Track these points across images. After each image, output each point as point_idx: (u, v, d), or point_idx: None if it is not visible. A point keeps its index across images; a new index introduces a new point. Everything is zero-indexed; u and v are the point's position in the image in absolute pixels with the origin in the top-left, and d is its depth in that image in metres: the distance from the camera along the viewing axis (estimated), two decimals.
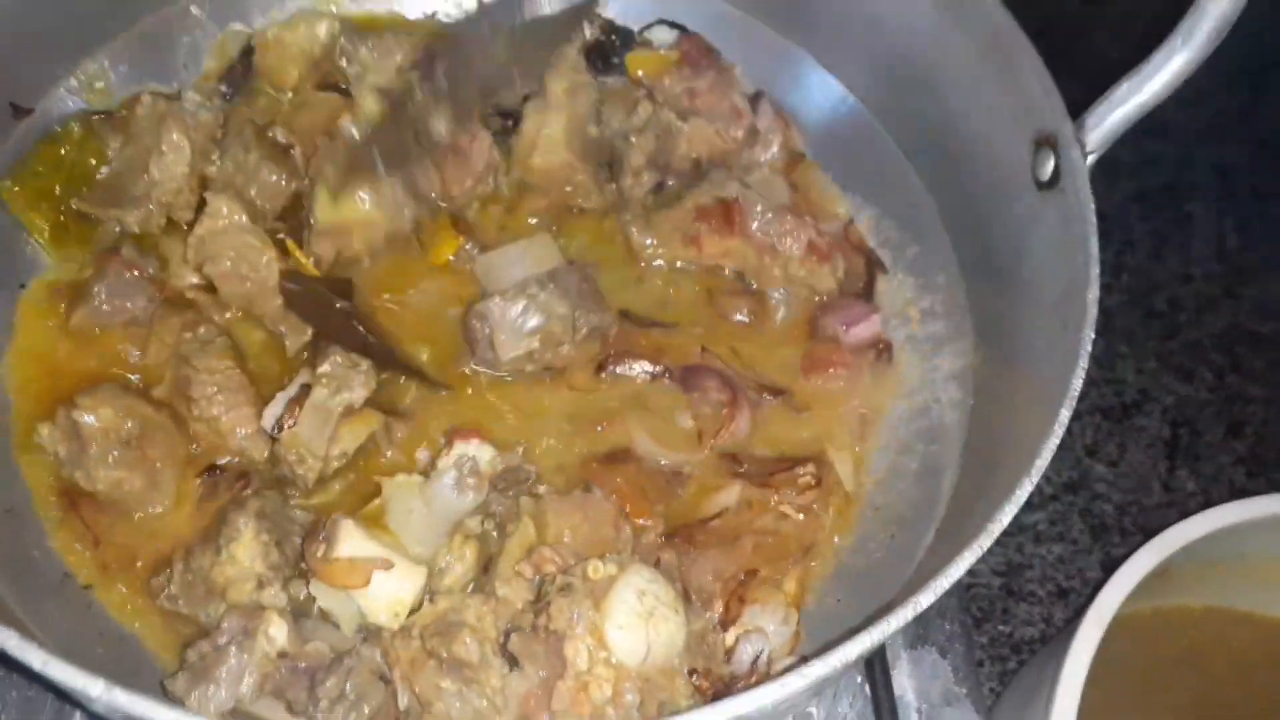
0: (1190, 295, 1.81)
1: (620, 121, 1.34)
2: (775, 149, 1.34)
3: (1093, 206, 0.99)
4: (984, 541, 0.84)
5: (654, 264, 1.29)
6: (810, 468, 1.15)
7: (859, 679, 1.15)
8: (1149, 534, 1.28)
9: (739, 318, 1.27)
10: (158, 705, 0.66)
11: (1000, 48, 1.10)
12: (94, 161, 1.20)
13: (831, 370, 1.23)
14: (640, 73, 1.39)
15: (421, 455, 1.13)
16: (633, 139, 1.31)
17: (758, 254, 1.26)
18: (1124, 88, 0.99)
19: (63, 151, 1.18)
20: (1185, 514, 1.29)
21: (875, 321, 1.26)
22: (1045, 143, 1.05)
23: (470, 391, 1.18)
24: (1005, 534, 1.60)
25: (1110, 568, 1.20)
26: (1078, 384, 0.89)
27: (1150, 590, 1.30)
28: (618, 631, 0.92)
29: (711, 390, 1.20)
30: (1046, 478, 1.60)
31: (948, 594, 0.83)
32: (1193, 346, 1.76)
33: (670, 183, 1.32)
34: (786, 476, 1.15)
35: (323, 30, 1.30)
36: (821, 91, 1.35)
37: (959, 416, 1.16)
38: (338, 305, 1.14)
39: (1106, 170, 1.95)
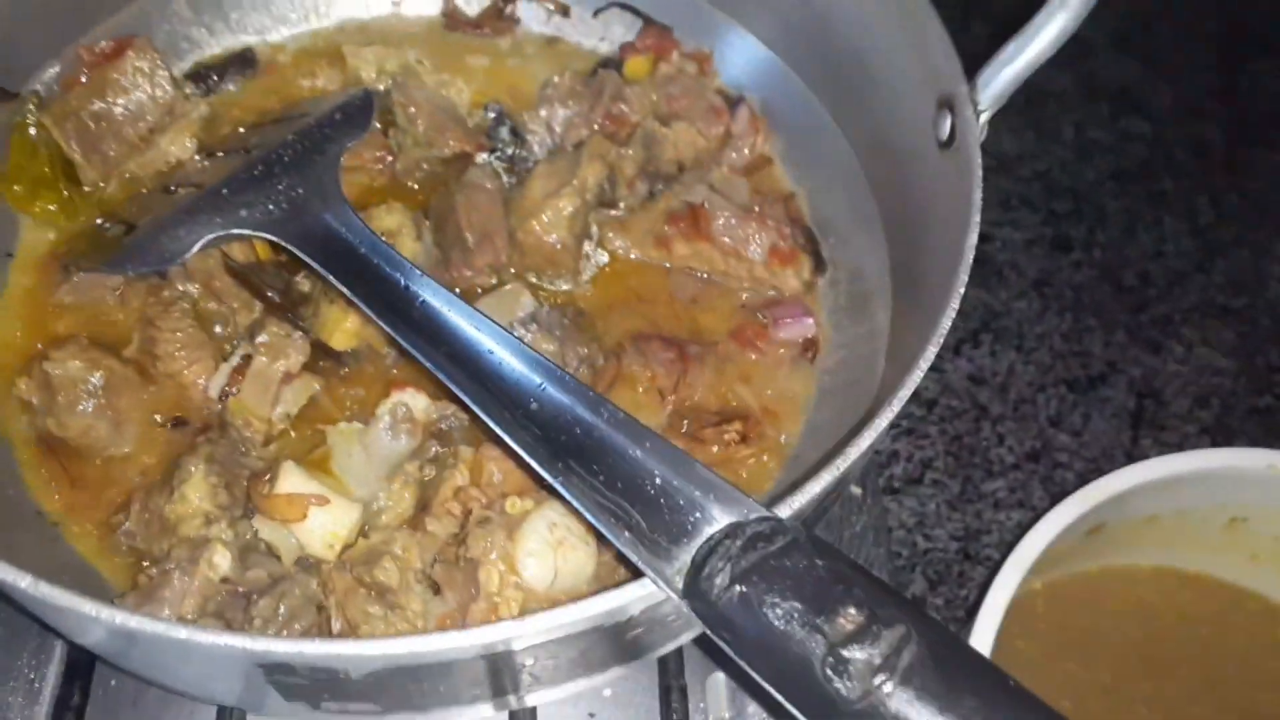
0: (1161, 270, 1.83)
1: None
2: (746, 152, 1.38)
3: (979, 160, 1.03)
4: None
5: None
6: (736, 425, 1.20)
7: None
8: None
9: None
10: (109, 608, 0.77)
11: (911, 13, 1.15)
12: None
13: (753, 355, 1.27)
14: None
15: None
16: (624, 151, 1.33)
17: (724, 257, 1.30)
18: (1010, 49, 1.04)
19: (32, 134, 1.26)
20: None
21: (809, 325, 1.28)
22: (945, 104, 1.10)
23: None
24: (964, 500, 1.63)
25: None
26: (946, 323, 0.92)
27: (1094, 549, 1.34)
28: (527, 558, 1.00)
29: (658, 350, 1.24)
30: (1008, 447, 1.65)
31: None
32: (1162, 320, 1.77)
33: (659, 187, 1.35)
34: (714, 432, 1.20)
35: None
36: (745, 55, 1.41)
37: (878, 367, 1.20)
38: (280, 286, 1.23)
39: (1082, 150, 1.97)
